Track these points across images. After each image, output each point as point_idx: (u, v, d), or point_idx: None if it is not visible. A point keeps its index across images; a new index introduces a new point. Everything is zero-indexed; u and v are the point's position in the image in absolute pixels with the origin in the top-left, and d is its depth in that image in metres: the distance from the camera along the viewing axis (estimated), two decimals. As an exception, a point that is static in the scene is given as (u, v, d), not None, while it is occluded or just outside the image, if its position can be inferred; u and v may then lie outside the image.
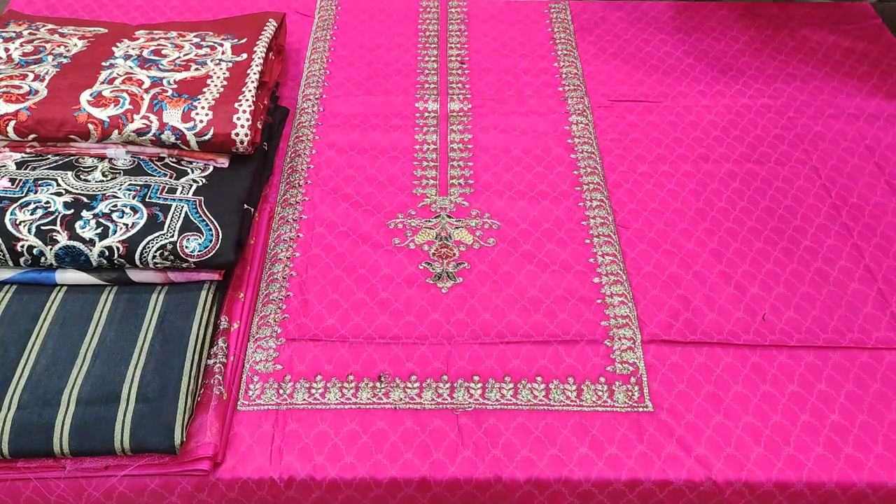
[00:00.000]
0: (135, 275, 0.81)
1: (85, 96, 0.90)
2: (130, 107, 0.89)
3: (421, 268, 0.90)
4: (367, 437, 0.75)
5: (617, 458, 0.74)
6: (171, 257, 0.79)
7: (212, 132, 0.88)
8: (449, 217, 0.96)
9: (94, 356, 0.75)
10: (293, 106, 1.11)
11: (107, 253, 0.79)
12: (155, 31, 1.07)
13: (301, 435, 0.75)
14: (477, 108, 1.11)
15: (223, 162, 0.91)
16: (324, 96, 1.12)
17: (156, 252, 0.79)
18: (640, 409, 0.78)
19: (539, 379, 0.80)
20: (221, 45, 1.04)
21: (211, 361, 0.78)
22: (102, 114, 0.88)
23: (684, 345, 0.83)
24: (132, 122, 0.88)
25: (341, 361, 0.81)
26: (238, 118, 0.90)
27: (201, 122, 0.89)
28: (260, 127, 0.96)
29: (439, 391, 0.79)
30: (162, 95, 0.91)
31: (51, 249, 0.79)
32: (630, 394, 0.79)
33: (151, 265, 0.79)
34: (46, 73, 0.94)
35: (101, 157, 0.90)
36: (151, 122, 0.88)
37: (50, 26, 1.07)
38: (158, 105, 0.90)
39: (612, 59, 1.21)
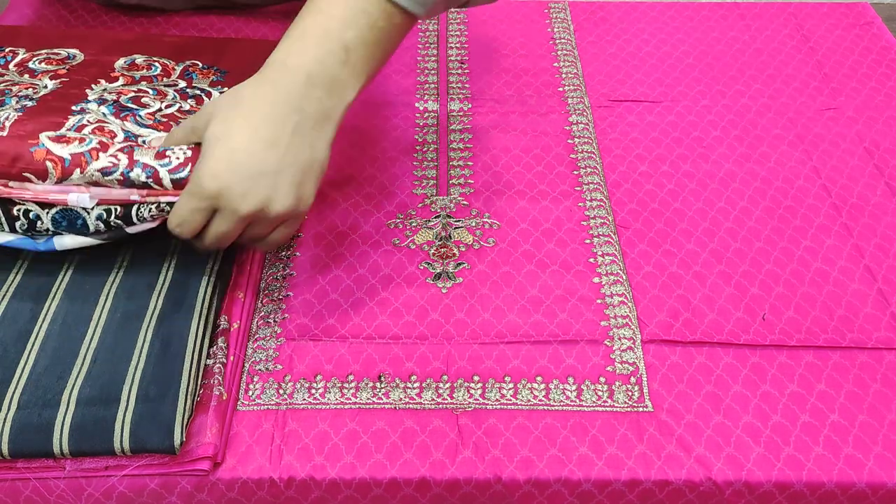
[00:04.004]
0: (132, 229, 0.79)
1: (46, 134, 0.78)
2: (97, 146, 0.77)
3: (421, 268, 0.90)
4: (367, 437, 0.75)
5: (617, 458, 0.74)
6: (165, 206, 0.77)
7: (189, 168, 0.76)
8: (449, 217, 0.96)
9: (94, 356, 0.75)
10: (293, 106, 1.10)
11: (104, 215, 0.77)
12: (137, 60, 0.96)
13: (301, 435, 0.75)
14: (477, 108, 1.11)
15: None
16: (324, 96, 1.12)
17: (152, 206, 0.77)
18: (640, 409, 0.78)
19: (539, 379, 0.80)
20: (210, 94, 0.93)
21: (210, 361, 0.78)
22: (64, 150, 0.75)
23: (684, 345, 0.83)
24: (97, 160, 0.75)
25: (341, 361, 0.81)
26: None
27: (177, 158, 0.77)
28: None
29: (439, 391, 0.79)
30: (135, 145, 0.80)
31: (47, 213, 0.77)
32: (630, 394, 0.79)
33: (148, 219, 0.77)
34: (7, 118, 0.79)
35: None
36: (119, 160, 0.76)
37: (21, 55, 0.95)
38: (129, 148, 0.78)
39: (612, 59, 1.21)
